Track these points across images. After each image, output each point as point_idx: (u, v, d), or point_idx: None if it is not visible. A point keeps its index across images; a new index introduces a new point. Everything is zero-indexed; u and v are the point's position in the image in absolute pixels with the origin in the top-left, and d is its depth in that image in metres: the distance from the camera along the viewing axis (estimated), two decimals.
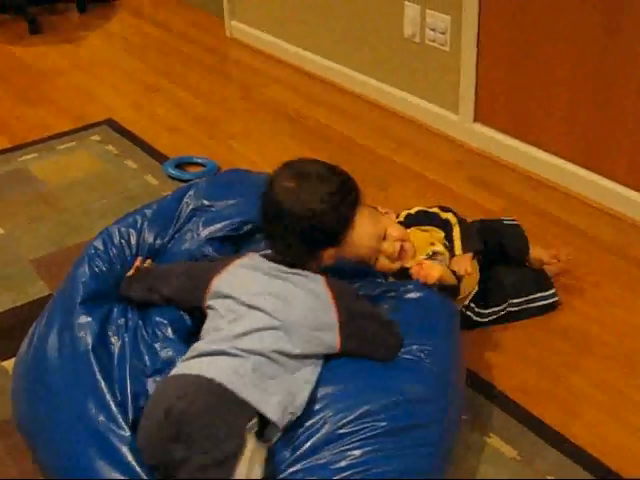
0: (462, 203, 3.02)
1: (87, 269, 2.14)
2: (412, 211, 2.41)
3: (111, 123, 3.70)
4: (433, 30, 3.40)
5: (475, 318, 2.37)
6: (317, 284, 1.86)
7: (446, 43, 3.37)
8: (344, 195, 1.91)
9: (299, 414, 1.71)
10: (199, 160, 3.34)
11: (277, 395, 1.69)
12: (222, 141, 3.55)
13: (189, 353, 1.79)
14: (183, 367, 1.75)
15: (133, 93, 4.04)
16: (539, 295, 2.44)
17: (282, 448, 1.71)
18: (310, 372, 1.78)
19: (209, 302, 1.89)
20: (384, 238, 2.10)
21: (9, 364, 2.27)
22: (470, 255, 2.24)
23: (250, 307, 1.81)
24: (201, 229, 2.29)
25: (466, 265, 2.17)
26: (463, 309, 2.31)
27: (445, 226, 2.32)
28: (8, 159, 3.41)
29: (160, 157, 3.39)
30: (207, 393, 1.64)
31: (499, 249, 2.46)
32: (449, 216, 2.34)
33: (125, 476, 1.67)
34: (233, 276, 1.90)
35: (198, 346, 1.80)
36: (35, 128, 3.68)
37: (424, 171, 3.25)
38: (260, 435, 1.68)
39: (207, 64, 4.32)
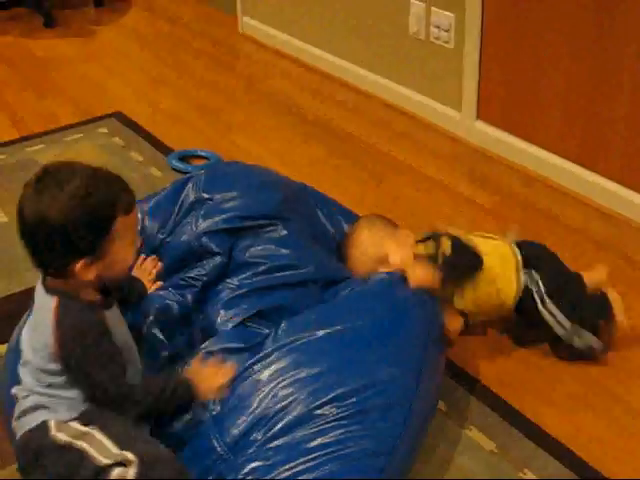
0: (457, 199, 3.05)
1: None
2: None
3: (119, 115, 3.75)
4: (437, 27, 3.42)
5: (539, 307, 2.26)
6: (47, 307, 1.74)
7: (450, 40, 3.38)
8: (85, 200, 1.64)
9: None
10: (203, 153, 3.38)
11: None
12: (226, 134, 3.59)
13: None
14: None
15: (142, 86, 4.09)
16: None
17: (254, 429, 1.75)
18: None
19: None
20: (384, 261, 2.20)
21: (2, 348, 2.31)
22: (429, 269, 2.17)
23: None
24: (200, 222, 2.31)
25: (420, 275, 2.13)
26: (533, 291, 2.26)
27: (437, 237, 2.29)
28: (16, 150, 3.46)
29: (165, 149, 3.43)
30: None
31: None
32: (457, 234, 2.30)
33: None
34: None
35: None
36: (44, 119, 3.74)
37: (422, 166, 3.27)
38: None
39: (216, 58, 4.36)
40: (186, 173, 3.18)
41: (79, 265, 1.66)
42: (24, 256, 2.70)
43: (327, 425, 1.74)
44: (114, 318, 1.80)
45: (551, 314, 2.23)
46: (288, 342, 1.91)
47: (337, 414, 1.76)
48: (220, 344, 1.97)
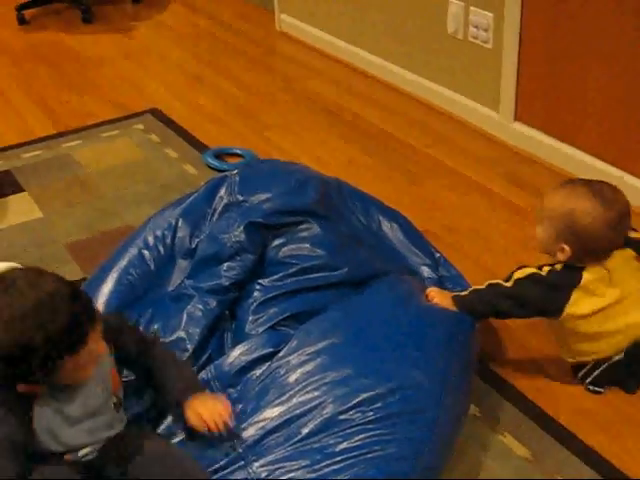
0: (495, 200, 3.01)
1: (115, 285, 2.17)
2: None
3: (155, 112, 3.75)
4: (476, 27, 3.38)
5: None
6: None
7: (488, 40, 3.35)
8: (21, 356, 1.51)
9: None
10: (238, 151, 3.37)
11: None
12: (261, 132, 3.58)
13: None
14: None
15: (178, 83, 4.09)
16: None
17: (280, 431, 1.75)
18: None
19: None
20: None
21: None
22: (448, 295, 2.15)
23: None
24: (234, 221, 2.25)
25: (435, 297, 2.13)
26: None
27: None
28: (52, 145, 3.48)
29: (200, 147, 3.43)
30: None
31: None
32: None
33: None
34: None
35: None
36: (80, 115, 3.75)
37: (459, 167, 3.23)
38: None
39: (252, 56, 4.36)
40: (221, 171, 3.19)
41: (21, 387, 1.58)
42: (60, 251, 2.77)
43: (353, 429, 1.74)
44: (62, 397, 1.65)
45: None
46: (313, 345, 1.90)
47: (363, 419, 1.76)
48: (250, 350, 1.96)
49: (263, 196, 2.32)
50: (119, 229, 2.86)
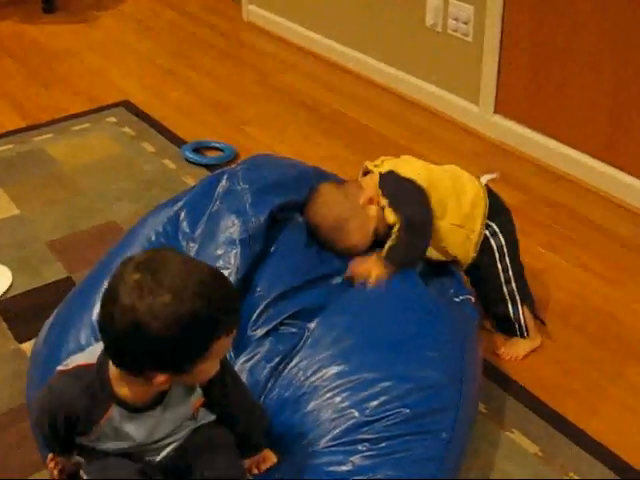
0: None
1: None
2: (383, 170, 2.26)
3: (127, 105, 3.67)
4: (456, 20, 3.37)
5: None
6: None
7: (469, 33, 3.34)
8: (192, 316, 1.39)
9: None
10: (217, 145, 3.32)
11: None
12: (237, 126, 3.52)
13: None
14: None
15: (148, 75, 4.01)
16: None
17: (306, 434, 1.73)
18: None
19: None
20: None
21: (27, 346, 2.26)
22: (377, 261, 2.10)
23: None
24: (236, 214, 2.17)
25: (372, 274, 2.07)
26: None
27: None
28: (23, 139, 3.39)
29: (177, 141, 3.36)
30: None
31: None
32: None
33: None
34: None
35: None
36: (48, 108, 3.66)
37: (440, 161, 3.19)
38: None
39: (222, 48, 4.29)
40: (201, 165, 3.14)
41: (160, 378, 1.46)
42: (41, 250, 2.70)
43: (378, 434, 1.72)
44: (140, 420, 1.59)
45: (504, 270, 2.21)
46: (326, 350, 1.88)
47: (388, 421, 1.74)
48: (259, 358, 1.94)
49: (267, 187, 2.25)
50: (102, 226, 2.80)
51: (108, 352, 1.48)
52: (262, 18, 4.50)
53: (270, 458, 1.74)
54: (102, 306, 1.44)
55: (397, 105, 3.67)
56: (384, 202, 2.16)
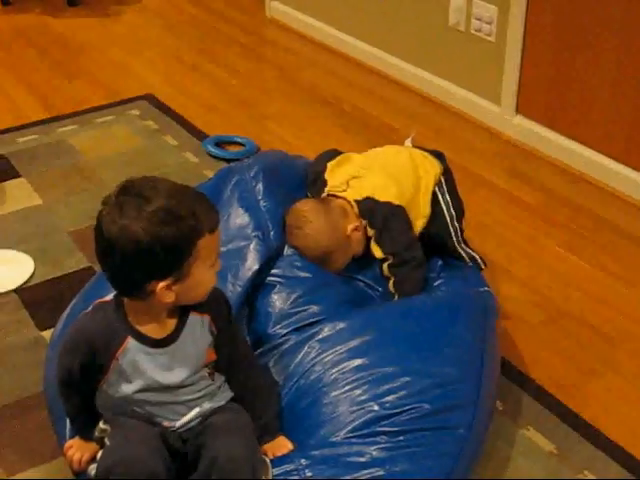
0: (499, 195, 3.01)
1: None
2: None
3: (150, 98, 3.70)
4: (479, 20, 3.37)
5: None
6: None
7: (491, 33, 3.34)
8: (171, 218, 1.55)
9: None
10: (239, 139, 3.34)
11: None
12: (258, 121, 3.55)
13: None
14: None
15: (171, 70, 4.03)
16: None
17: (325, 427, 1.75)
18: None
19: None
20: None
21: (47, 334, 2.28)
22: None
23: None
24: (246, 209, 2.24)
25: None
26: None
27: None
28: (46, 130, 3.42)
29: (199, 134, 3.39)
30: None
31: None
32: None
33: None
34: None
35: None
36: (72, 101, 3.69)
37: (461, 161, 3.22)
38: None
39: (245, 44, 4.31)
40: (223, 159, 3.16)
41: (160, 286, 1.57)
42: (63, 240, 2.72)
43: (397, 427, 1.73)
44: (155, 356, 1.67)
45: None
46: (345, 344, 1.89)
47: (406, 415, 1.75)
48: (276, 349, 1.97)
49: (277, 183, 2.33)
50: None
51: (110, 281, 1.62)
52: (285, 15, 4.51)
53: (286, 445, 1.76)
54: (95, 239, 1.61)
55: (418, 104, 3.68)
56: (371, 233, 2.20)
